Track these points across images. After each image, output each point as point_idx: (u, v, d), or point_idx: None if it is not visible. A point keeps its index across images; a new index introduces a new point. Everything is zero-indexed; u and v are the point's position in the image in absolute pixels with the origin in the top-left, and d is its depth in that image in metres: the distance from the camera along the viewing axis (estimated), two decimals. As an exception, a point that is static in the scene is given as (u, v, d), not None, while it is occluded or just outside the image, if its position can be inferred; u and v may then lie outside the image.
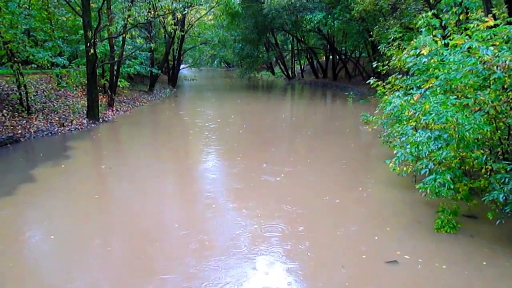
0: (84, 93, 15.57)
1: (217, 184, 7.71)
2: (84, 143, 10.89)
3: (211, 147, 10.70)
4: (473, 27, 5.64)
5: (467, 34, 5.56)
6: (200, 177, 8.28)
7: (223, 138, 11.85)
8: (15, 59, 11.84)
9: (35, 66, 13.09)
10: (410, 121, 6.39)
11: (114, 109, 15.83)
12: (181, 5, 15.85)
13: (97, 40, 13.22)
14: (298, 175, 8.00)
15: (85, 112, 13.80)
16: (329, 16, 22.78)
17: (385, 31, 15.80)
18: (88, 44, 12.82)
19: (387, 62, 9.31)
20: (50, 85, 15.13)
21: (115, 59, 15.99)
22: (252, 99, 22.89)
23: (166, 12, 15.73)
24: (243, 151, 10.09)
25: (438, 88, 5.63)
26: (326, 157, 9.43)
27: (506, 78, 4.92)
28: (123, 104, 17.51)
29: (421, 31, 6.61)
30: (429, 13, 6.90)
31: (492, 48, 4.89)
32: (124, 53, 16.82)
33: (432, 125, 5.42)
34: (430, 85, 5.99)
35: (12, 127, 11.03)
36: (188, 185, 7.86)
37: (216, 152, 10.15)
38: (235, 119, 15.98)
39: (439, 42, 6.01)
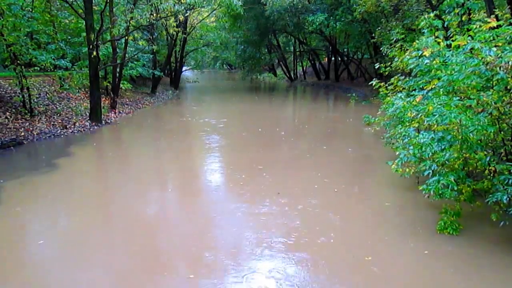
0: (86, 95, 15.62)
1: (222, 222, 5.87)
2: (81, 149, 10.45)
3: (214, 161, 9.64)
4: (476, 28, 5.62)
5: (469, 35, 5.54)
6: (200, 211, 6.39)
7: (226, 147, 11.16)
8: (18, 61, 11.89)
9: (38, 68, 13.13)
10: (413, 122, 6.38)
11: (116, 111, 15.87)
12: (183, 7, 15.88)
13: (99, 42, 13.26)
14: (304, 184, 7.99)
15: (87, 114, 13.84)
16: (331, 17, 22.77)
17: (387, 32, 15.76)
18: (91, 47, 12.87)
19: (389, 63, 9.29)
20: (53, 87, 15.19)
21: (118, 61, 16.03)
22: (255, 102, 22.89)
23: (169, 15, 15.79)
24: (249, 168, 8.65)
25: (441, 90, 5.61)
26: (328, 158, 9.41)
27: (509, 79, 4.90)
28: (126, 106, 17.55)
29: (424, 32, 6.60)
30: (431, 14, 6.88)
31: (494, 49, 4.87)
32: (126, 55, 16.87)
33: (435, 126, 5.41)
34: (433, 86, 5.97)
35: (15, 130, 11.07)
36: (186, 223, 5.99)
37: (220, 170, 8.89)
38: (238, 124, 15.98)
39: (442, 43, 5.99)
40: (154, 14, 15.23)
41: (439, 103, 5.12)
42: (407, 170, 6.29)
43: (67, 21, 17.32)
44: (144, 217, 6.20)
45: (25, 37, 12.77)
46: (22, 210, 6.25)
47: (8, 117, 11.66)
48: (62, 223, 6.10)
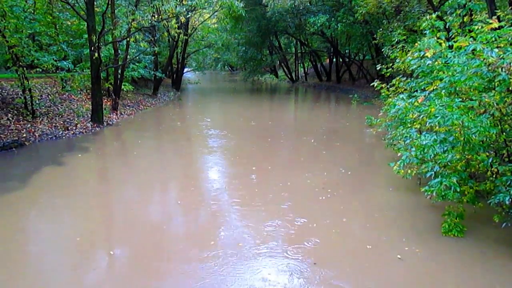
0: (88, 97, 15.64)
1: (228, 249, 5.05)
2: (82, 152, 10.28)
3: (217, 166, 9.23)
4: (478, 29, 5.61)
5: (471, 36, 5.53)
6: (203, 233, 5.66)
7: (228, 151, 10.77)
8: (20, 63, 11.91)
9: (40, 70, 13.16)
10: (415, 123, 6.37)
11: (118, 112, 15.88)
12: (184, 9, 15.88)
13: (101, 44, 13.28)
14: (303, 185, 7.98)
15: (89, 115, 13.85)
16: (333, 19, 22.78)
17: (389, 33, 15.77)
18: (93, 48, 12.88)
19: (391, 64, 9.29)
20: (54, 89, 15.22)
21: (119, 63, 16.05)
22: (257, 103, 22.87)
23: (170, 16, 15.78)
24: (250, 173, 8.29)
25: (443, 91, 5.60)
26: (330, 160, 9.39)
27: (511, 80, 4.89)
28: (127, 107, 17.57)
29: (425, 33, 6.59)
30: (433, 15, 6.88)
31: (496, 50, 4.86)
32: (128, 56, 16.90)
33: (437, 127, 5.39)
34: (435, 87, 5.96)
35: (17, 131, 11.09)
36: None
37: (222, 179, 8.29)
38: (239, 126, 15.96)
39: (443, 44, 5.98)
40: (156, 16, 15.21)
41: (441, 104, 5.11)
42: (409, 171, 6.27)
43: (69, 23, 17.34)
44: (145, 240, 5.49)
45: (27, 39, 12.80)
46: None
47: (10, 118, 11.68)
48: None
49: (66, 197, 6.92)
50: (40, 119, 12.48)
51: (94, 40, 12.79)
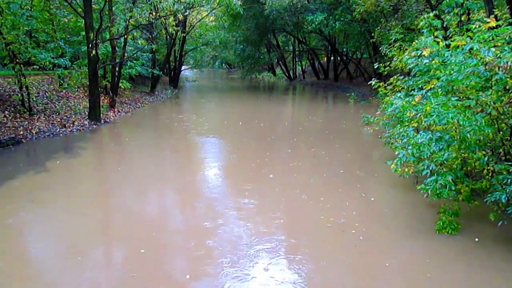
0: (85, 94, 15.60)
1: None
2: (73, 152, 9.99)
3: (212, 163, 9.24)
4: (475, 28, 5.63)
5: (468, 36, 5.55)
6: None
7: (224, 149, 11.03)
8: (17, 60, 11.87)
9: (37, 67, 13.12)
10: (412, 122, 6.39)
11: (115, 110, 15.84)
12: (182, 7, 15.85)
13: (98, 41, 13.24)
14: (295, 178, 7.99)
15: (86, 113, 13.82)
16: (331, 17, 22.78)
17: (387, 32, 15.80)
18: (90, 45, 12.85)
19: (388, 63, 9.30)
20: (52, 86, 15.17)
21: (117, 60, 16.01)
22: (254, 101, 22.82)
23: (168, 14, 15.75)
24: (247, 165, 8.52)
25: (440, 90, 5.62)
26: (327, 158, 9.41)
27: (508, 79, 4.92)
28: (125, 105, 17.53)
29: (423, 32, 6.60)
30: (431, 14, 6.89)
31: (493, 49, 4.89)
32: (125, 54, 16.85)
33: (434, 126, 5.42)
34: (432, 86, 5.98)
35: (14, 128, 11.06)
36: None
37: (218, 175, 8.35)
38: (235, 123, 15.94)
39: (441, 43, 5.99)
40: (154, 13, 15.16)
41: (437, 103, 5.13)
42: (406, 170, 6.30)
43: (66, 20, 17.29)
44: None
45: (24, 36, 12.74)
46: None
47: (7, 115, 11.65)
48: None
49: (64, 195, 6.92)
50: (37, 116, 12.45)
51: (91, 38, 12.76)
